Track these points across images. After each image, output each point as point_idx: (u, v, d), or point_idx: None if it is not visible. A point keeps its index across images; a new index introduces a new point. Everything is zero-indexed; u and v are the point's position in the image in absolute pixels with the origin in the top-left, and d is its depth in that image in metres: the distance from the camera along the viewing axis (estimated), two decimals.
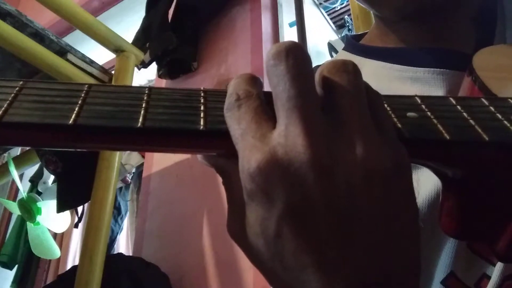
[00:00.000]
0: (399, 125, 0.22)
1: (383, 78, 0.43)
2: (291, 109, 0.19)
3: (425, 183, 0.35)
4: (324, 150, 0.18)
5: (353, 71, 0.21)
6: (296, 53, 0.20)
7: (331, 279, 0.18)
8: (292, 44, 0.20)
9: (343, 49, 0.53)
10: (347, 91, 0.20)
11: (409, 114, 0.22)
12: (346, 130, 0.19)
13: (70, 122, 0.20)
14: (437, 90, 0.39)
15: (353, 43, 0.52)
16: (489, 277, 0.31)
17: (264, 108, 0.20)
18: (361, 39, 0.53)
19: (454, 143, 0.21)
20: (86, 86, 0.22)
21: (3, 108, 0.20)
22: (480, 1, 0.45)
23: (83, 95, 0.22)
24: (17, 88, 0.22)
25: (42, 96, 0.21)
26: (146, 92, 0.22)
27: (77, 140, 0.21)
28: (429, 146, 0.22)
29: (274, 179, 0.18)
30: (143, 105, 0.21)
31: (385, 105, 0.23)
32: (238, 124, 0.20)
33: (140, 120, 0.20)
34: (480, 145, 0.21)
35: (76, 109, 0.20)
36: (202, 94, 0.23)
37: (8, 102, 0.21)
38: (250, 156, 0.19)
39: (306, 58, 0.20)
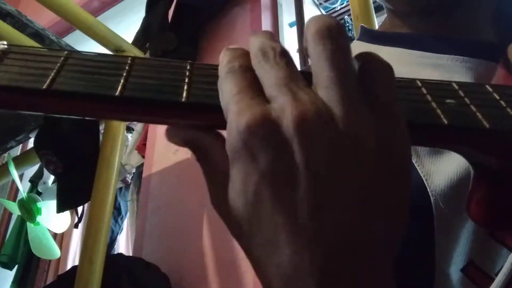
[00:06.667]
0: (439, 111, 0.21)
1: (403, 63, 0.41)
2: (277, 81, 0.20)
3: (445, 166, 0.34)
4: (314, 116, 0.18)
5: (336, 36, 0.20)
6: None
7: (300, 244, 0.18)
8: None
9: (357, 39, 0.51)
10: (325, 59, 0.20)
11: (448, 101, 0.22)
12: (335, 101, 0.19)
13: (117, 93, 0.20)
14: (461, 79, 0.37)
15: (369, 31, 0.51)
16: None
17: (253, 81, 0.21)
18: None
19: (493, 132, 0.21)
20: (129, 58, 0.23)
21: (50, 77, 0.20)
22: None
23: (127, 67, 0.22)
24: (62, 58, 0.22)
25: (87, 67, 0.22)
26: (188, 67, 0.23)
27: (122, 111, 0.21)
28: (467, 134, 0.21)
29: (260, 138, 0.19)
30: (186, 80, 0.22)
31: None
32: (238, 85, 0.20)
33: (184, 95, 0.21)
34: None
35: (122, 81, 0.21)
36: None
37: (55, 71, 0.21)
38: (241, 116, 0.19)
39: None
